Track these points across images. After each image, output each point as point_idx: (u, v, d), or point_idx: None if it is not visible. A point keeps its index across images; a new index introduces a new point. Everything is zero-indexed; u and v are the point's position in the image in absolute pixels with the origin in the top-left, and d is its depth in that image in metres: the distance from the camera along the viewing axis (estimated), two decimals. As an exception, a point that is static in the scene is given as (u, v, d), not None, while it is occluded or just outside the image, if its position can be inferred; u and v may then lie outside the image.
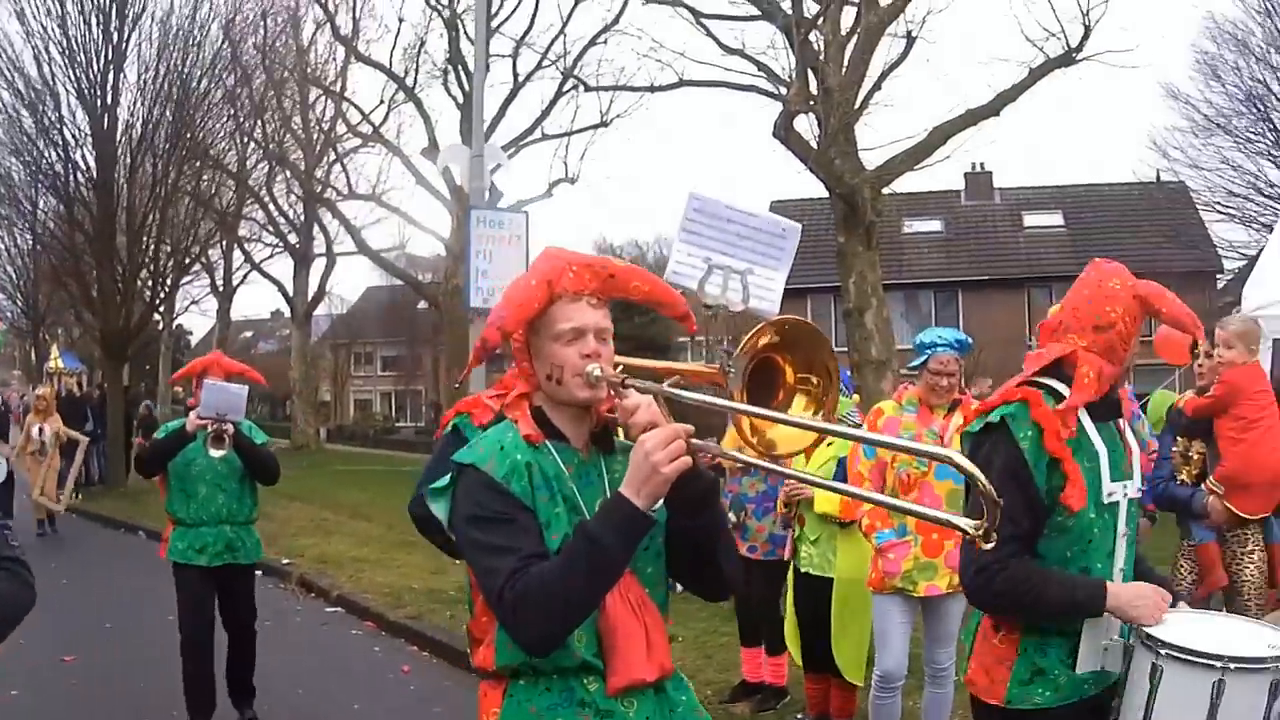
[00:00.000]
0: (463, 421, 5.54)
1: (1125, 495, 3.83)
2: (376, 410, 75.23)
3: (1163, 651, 3.47)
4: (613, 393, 2.99)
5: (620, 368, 3.14)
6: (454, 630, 10.66)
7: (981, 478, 2.46)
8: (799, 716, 7.75)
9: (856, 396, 9.88)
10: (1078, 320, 3.85)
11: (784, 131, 19.74)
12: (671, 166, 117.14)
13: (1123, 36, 34.69)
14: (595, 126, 35.55)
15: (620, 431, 3.06)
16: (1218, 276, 37.47)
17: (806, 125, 20.38)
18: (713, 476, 3.14)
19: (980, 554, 3.54)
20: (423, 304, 49.55)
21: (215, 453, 7.28)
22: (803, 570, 7.33)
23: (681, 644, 9.51)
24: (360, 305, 70.59)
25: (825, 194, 21.29)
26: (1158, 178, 36.72)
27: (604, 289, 3.07)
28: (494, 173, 15.13)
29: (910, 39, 21.39)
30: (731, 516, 8.08)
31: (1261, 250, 14.29)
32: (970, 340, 6.66)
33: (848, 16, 21.08)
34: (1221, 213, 33.64)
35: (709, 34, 23.81)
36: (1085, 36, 20.31)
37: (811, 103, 20.04)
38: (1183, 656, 3.43)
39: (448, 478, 3.06)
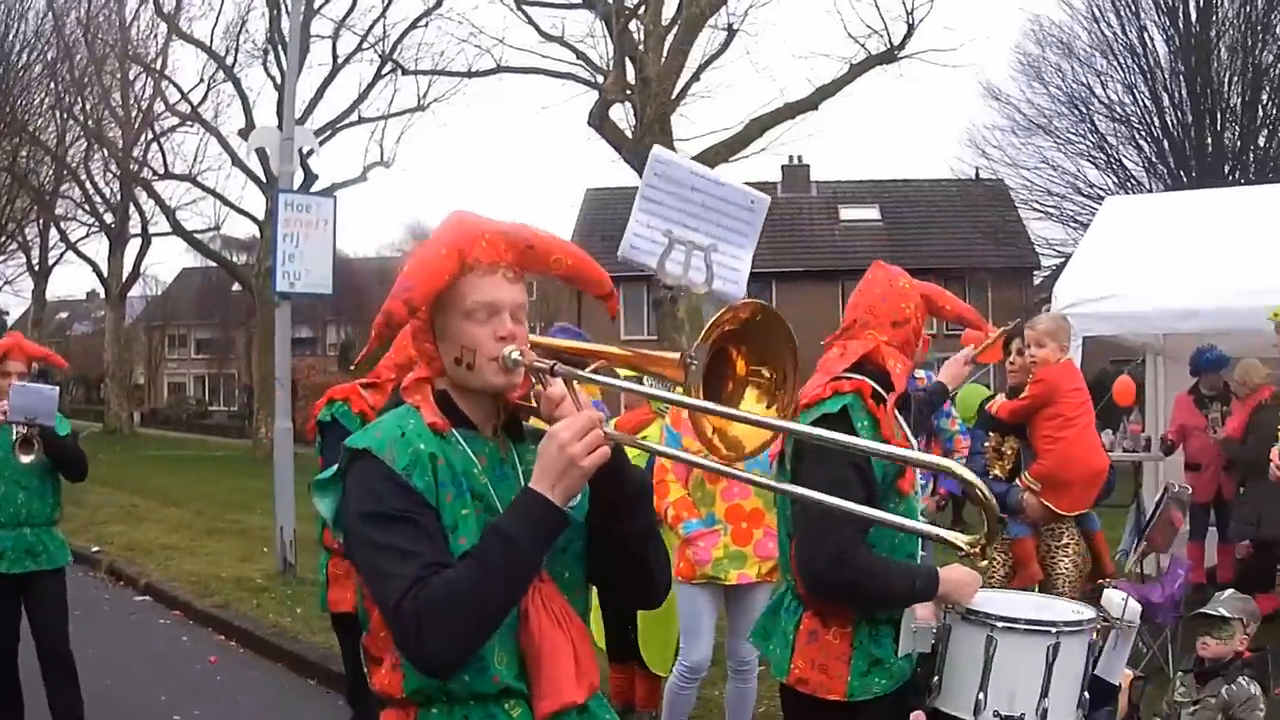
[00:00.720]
0: (340, 410, 5.44)
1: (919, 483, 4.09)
2: (190, 394, 73.64)
3: (998, 624, 3.87)
4: (533, 379, 2.67)
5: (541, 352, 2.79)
6: (260, 619, 10.66)
7: (984, 489, 2.33)
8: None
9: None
10: (876, 317, 4.02)
11: (599, 120, 19.94)
12: (488, 153, 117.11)
13: (946, 36, 35.62)
14: (412, 110, 35.57)
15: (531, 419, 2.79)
16: (1035, 273, 38.38)
17: (622, 114, 20.61)
18: (642, 473, 2.94)
19: (827, 544, 3.67)
20: (237, 286, 48.81)
21: (25, 459, 6.73)
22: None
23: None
24: (175, 287, 68.89)
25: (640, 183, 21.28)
26: (977, 175, 37.57)
27: (521, 261, 2.74)
28: (308, 156, 14.97)
29: (731, 31, 21.78)
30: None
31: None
32: None
33: (669, 7, 21.40)
34: (1039, 211, 34.44)
35: (529, 20, 23.95)
36: (908, 34, 20.96)
37: (628, 92, 20.25)
38: (1018, 627, 3.90)
39: (333, 468, 2.69)
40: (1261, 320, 7.45)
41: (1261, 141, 30.83)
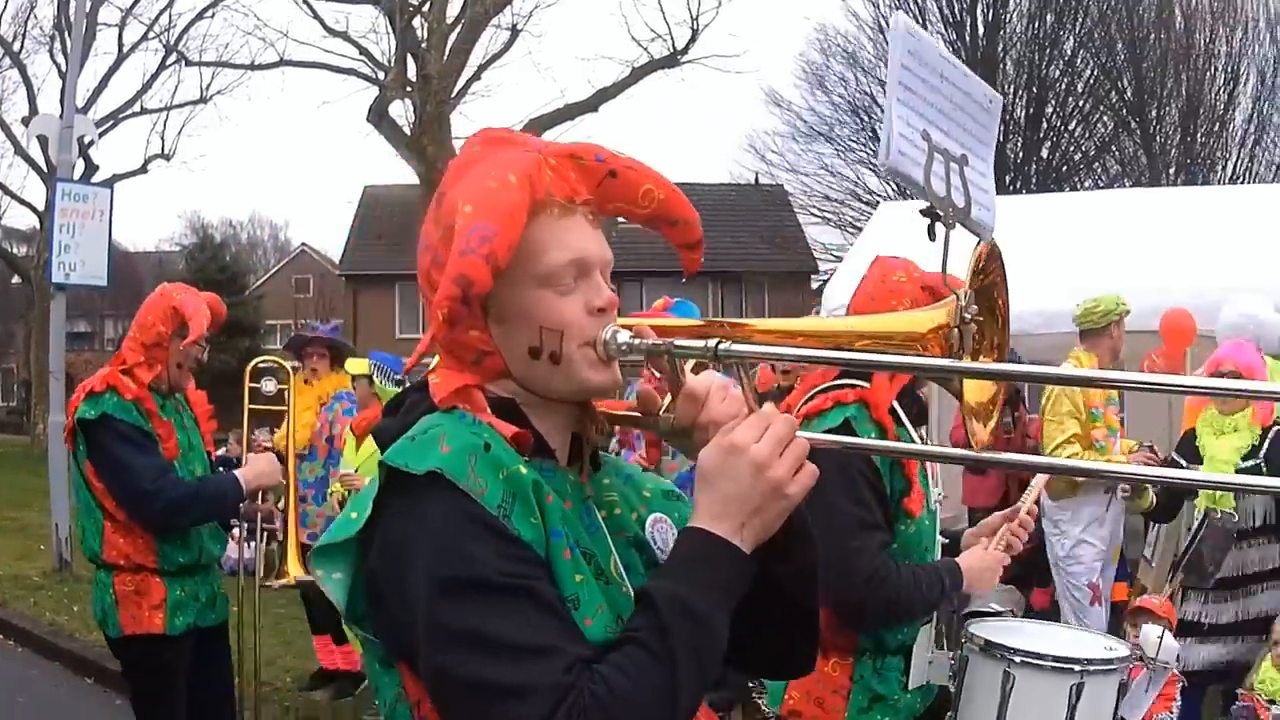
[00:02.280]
0: (113, 404, 4.64)
1: (938, 500, 3.70)
2: (-33, 388, 70.73)
3: (1016, 659, 3.41)
4: (654, 370, 1.97)
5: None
6: (37, 617, 10.40)
7: None
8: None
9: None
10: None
11: (378, 117, 19.85)
12: (270, 149, 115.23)
13: (731, 42, 36.24)
14: (195, 103, 34.66)
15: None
16: (813, 277, 39.17)
17: (401, 111, 20.57)
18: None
19: (859, 567, 3.27)
20: (17, 279, 47.13)
21: None
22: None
23: (260, 630, 9.52)
24: (-50, 280, 66.08)
25: (418, 181, 21.20)
26: (756, 180, 38.52)
27: (602, 196, 1.91)
28: (89, 146, 14.67)
29: (515, 31, 21.86)
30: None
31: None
32: None
33: (454, 5, 21.38)
34: (817, 216, 35.15)
35: (314, 15, 23.64)
36: (692, 40, 21.30)
37: (408, 89, 20.23)
38: (1037, 663, 3.41)
39: (355, 513, 1.76)
40: (1033, 325, 7.86)
41: (1044, 153, 32.10)
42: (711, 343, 1.82)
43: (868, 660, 3.48)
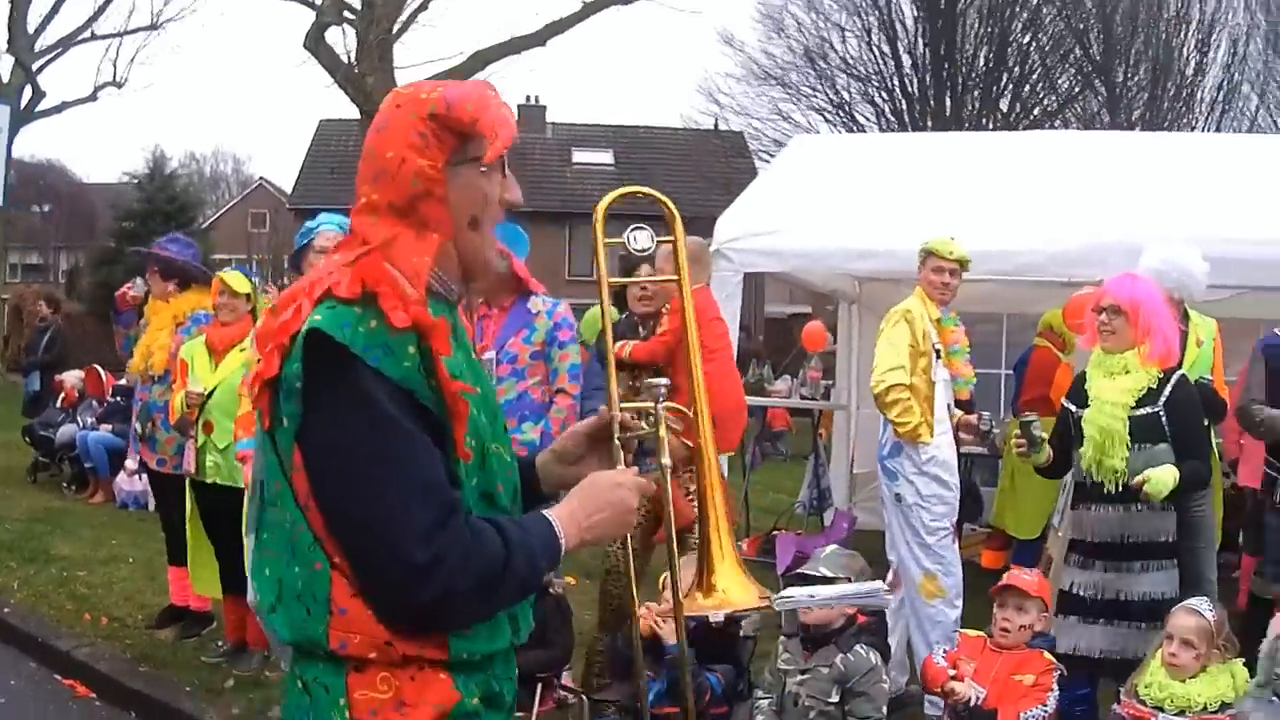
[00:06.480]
0: None
1: None
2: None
3: None
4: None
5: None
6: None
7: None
8: (219, 644, 7.12)
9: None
10: None
11: (315, 43, 19.20)
12: (224, 78, 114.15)
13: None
14: (145, 29, 34.01)
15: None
16: (768, 222, 38.88)
17: (340, 39, 19.93)
18: None
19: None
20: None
21: None
22: (209, 481, 6.65)
23: (130, 565, 9.15)
24: None
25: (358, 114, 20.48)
26: (716, 126, 38.25)
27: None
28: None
29: (464, -42, 21.27)
30: (138, 427, 7.71)
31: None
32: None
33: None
34: (767, 160, 34.33)
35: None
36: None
37: (346, 14, 19.60)
38: None
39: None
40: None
41: (1004, 106, 31.82)
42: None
43: None
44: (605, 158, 45.57)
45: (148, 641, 7.33)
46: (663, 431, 2.49)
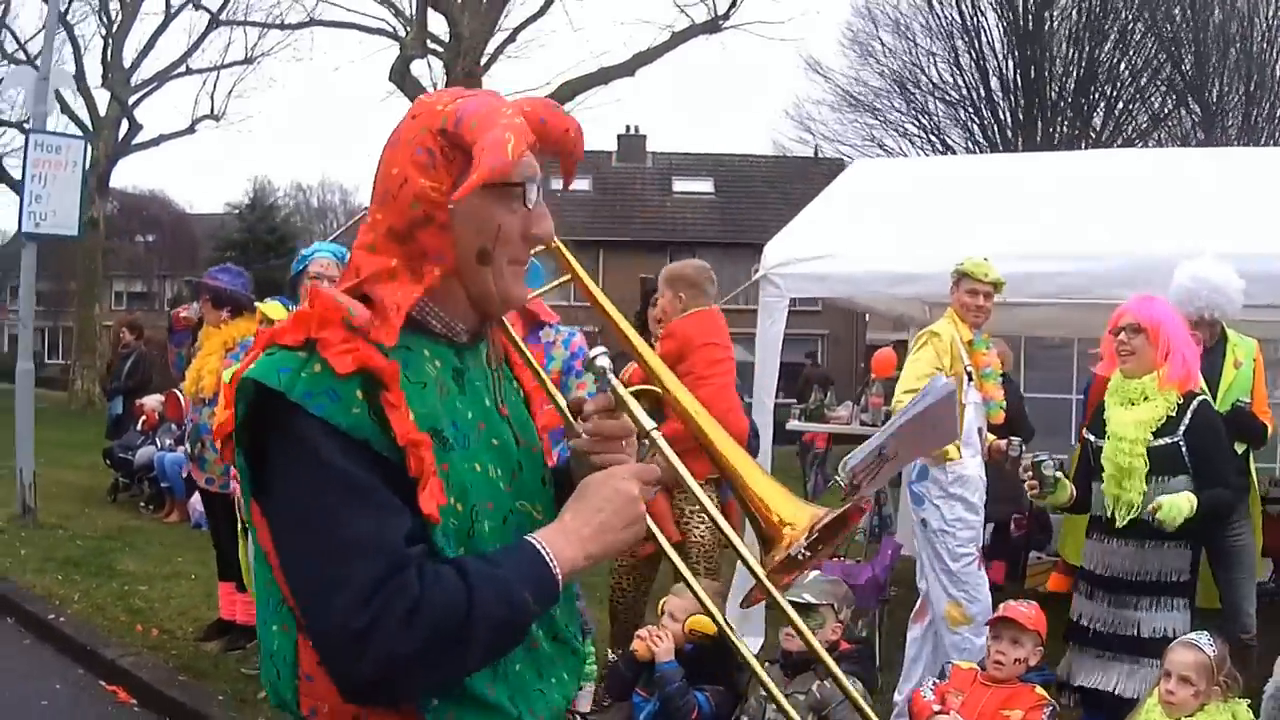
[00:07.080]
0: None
1: None
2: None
3: None
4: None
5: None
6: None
7: None
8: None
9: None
10: None
11: (400, 77, 19.51)
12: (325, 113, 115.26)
13: (772, 8, 35.78)
14: (240, 64, 34.76)
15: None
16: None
17: (426, 71, 20.22)
18: None
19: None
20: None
21: None
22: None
23: (192, 581, 9.36)
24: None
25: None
26: (816, 153, 38.30)
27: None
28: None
29: (552, -9, 21.51)
30: (188, 448, 7.93)
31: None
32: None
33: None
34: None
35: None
36: (733, 4, 20.87)
37: (431, 46, 19.89)
38: None
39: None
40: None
41: (1096, 125, 31.46)
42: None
43: None
44: (706, 186, 45.85)
45: (192, 653, 7.55)
46: (631, 404, 2.18)
